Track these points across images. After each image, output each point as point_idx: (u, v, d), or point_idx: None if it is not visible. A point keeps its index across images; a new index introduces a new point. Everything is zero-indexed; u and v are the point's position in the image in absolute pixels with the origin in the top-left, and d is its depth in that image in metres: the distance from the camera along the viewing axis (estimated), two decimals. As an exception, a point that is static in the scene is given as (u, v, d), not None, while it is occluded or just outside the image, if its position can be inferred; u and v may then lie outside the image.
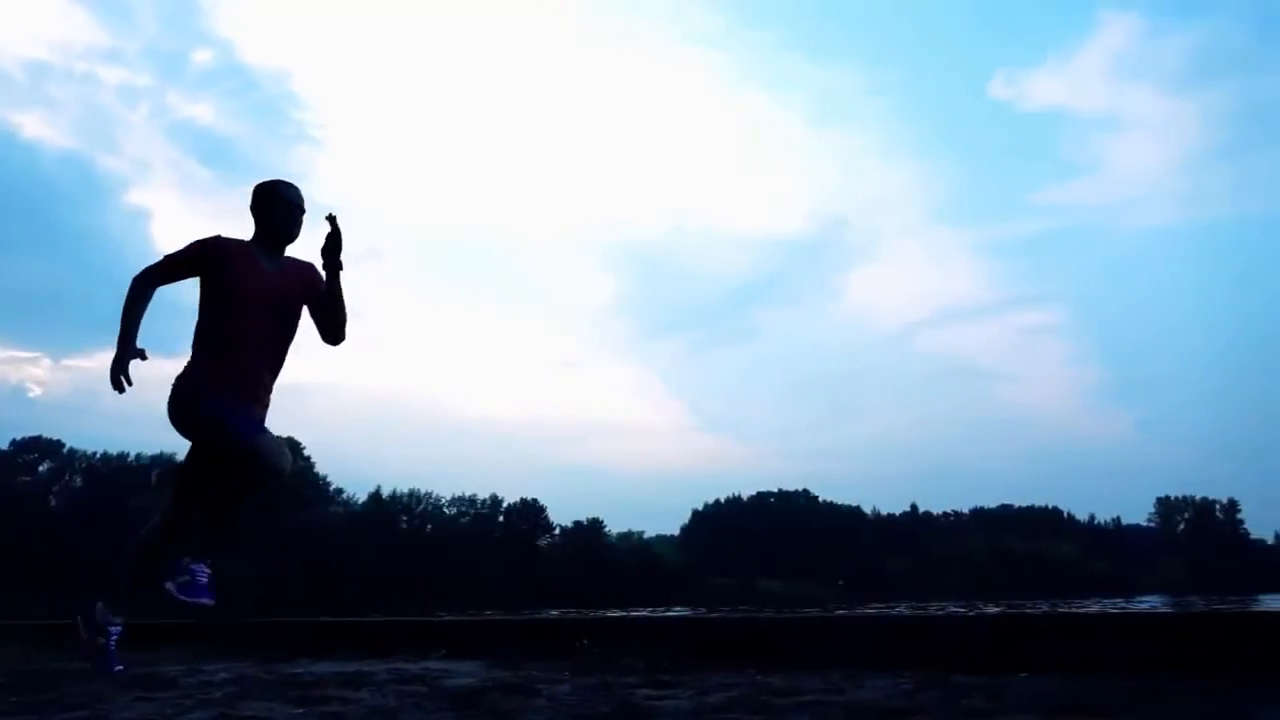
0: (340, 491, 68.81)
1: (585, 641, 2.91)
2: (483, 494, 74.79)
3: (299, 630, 3.80)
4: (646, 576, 67.69)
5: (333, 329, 3.27)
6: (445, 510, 73.33)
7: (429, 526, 71.14)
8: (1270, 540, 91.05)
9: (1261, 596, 37.45)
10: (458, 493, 74.25)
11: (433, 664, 3.00)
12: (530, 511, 75.01)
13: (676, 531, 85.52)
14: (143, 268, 3.13)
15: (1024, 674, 2.38)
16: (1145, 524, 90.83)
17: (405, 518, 70.76)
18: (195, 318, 3.17)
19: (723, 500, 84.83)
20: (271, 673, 2.92)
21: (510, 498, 75.01)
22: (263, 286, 3.14)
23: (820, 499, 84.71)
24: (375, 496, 69.20)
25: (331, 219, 3.15)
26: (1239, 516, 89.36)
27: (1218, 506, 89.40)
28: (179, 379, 3.09)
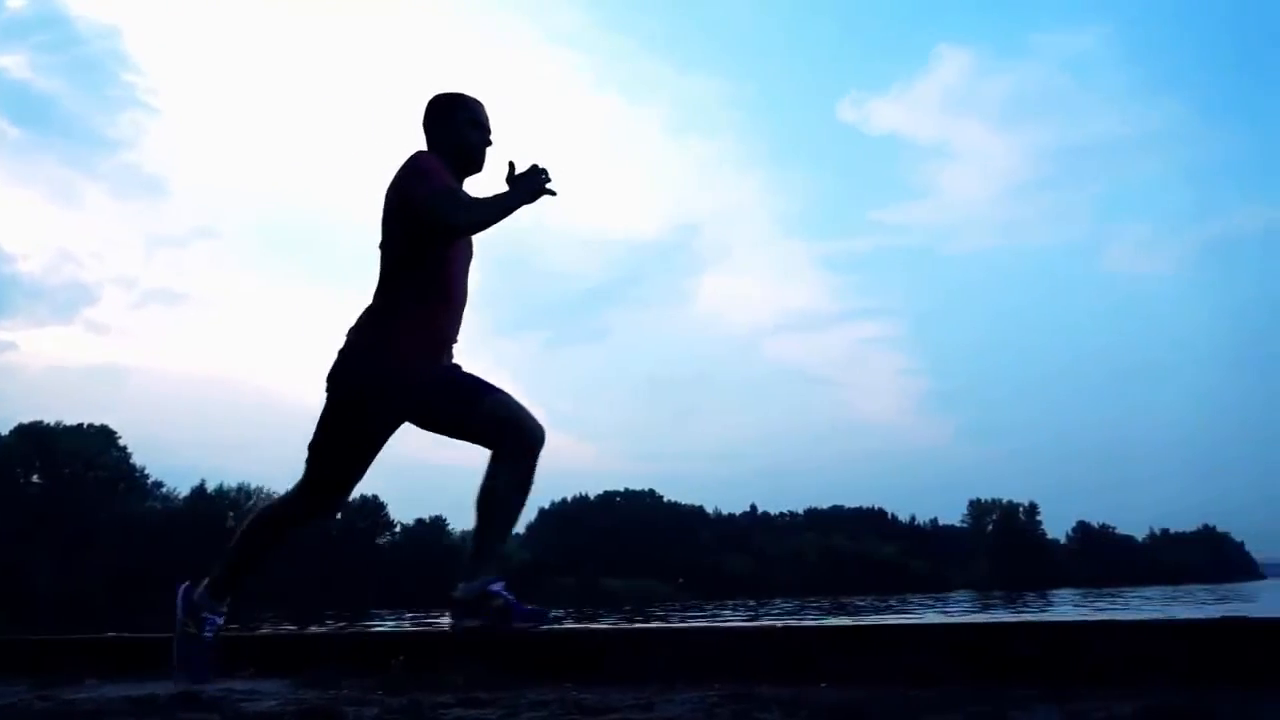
0: (159, 485, 64.12)
1: (402, 658, 2.84)
2: (319, 490, 71.64)
3: (86, 647, 3.50)
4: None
5: None
6: (277, 506, 69.74)
7: (259, 524, 67.33)
8: (1063, 540, 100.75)
9: (1053, 592, 41.40)
10: (291, 487, 70.76)
11: (237, 685, 2.83)
12: (369, 508, 72.40)
13: (522, 530, 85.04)
14: (444, 207, 2.35)
15: (824, 684, 2.51)
16: (959, 524, 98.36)
17: (233, 514, 66.67)
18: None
19: (569, 499, 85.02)
20: (48, 699, 2.68)
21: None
22: None
23: (665, 499, 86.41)
24: (199, 491, 64.88)
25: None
26: (1038, 518, 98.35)
27: (1021, 509, 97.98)
28: (374, 330, 2.44)
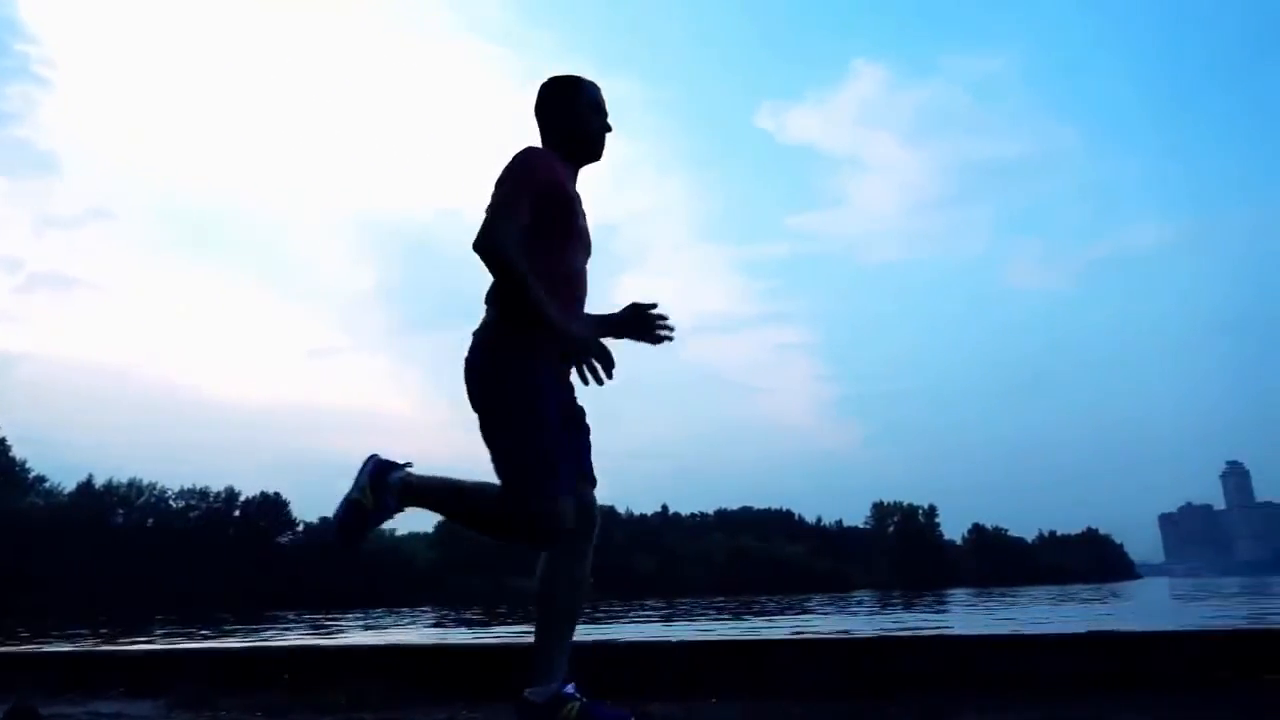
0: (42, 480, 60.59)
1: (286, 675, 2.74)
2: (217, 486, 68.89)
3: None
4: (396, 576, 65.44)
5: None
6: (172, 503, 66.62)
7: (150, 521, 64.21)
8: (959, 541, 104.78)
9: (948, 592, 43.02)
10: (188, 484, 67.72)
11: (103, 706, 2.68)
12: (271, 506, 69.97)
13: (430, 529, 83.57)
14: (488, 229, 2.05)
15: (714, 700, 2.54)
16: (863, 526, 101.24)
17: (122, 511, 63.41)
18: None
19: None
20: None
21: (249, 490, 69.68)
22: (585, 219, 2.32)
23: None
24: (86, 486, 61.49)
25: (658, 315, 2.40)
26: (937, 520, 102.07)
27: (921, 511, 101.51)
28: (500, 332, 2.13)
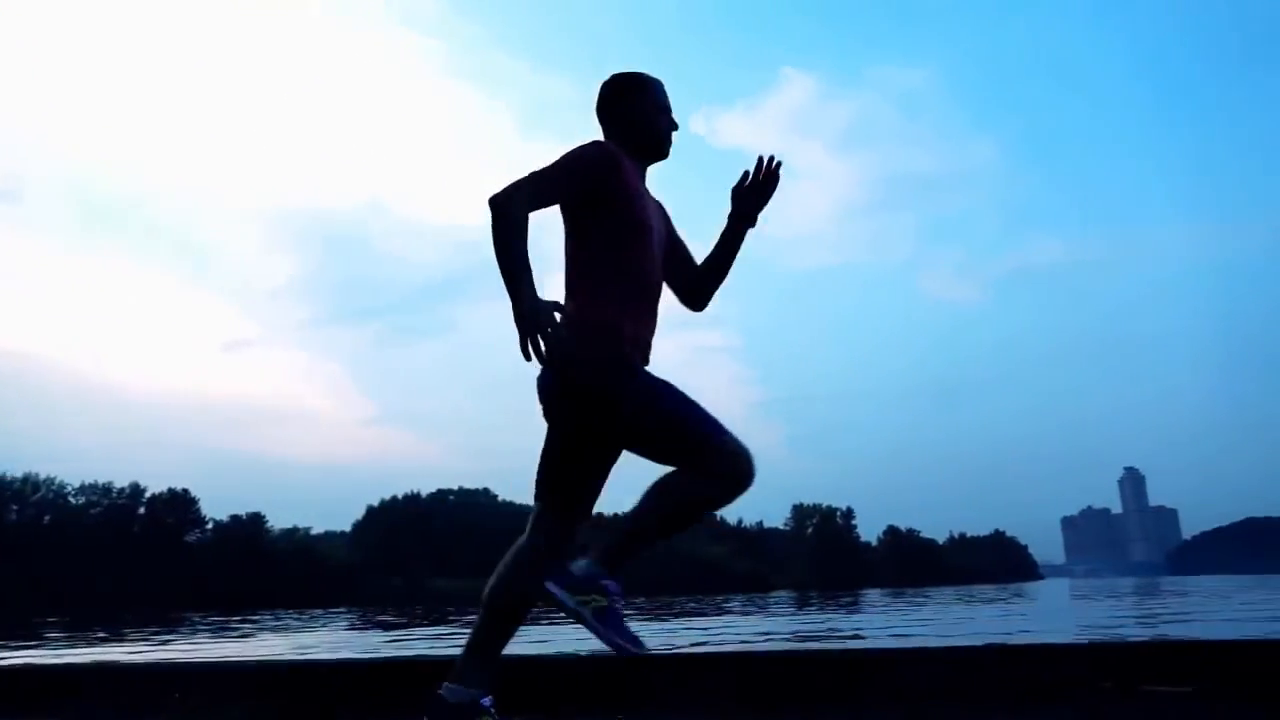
0: (-79, 475, 57.05)
1: (178, 695, 2.64)
2: (121, 481, 65.98)
3: None
4: (310, 576, 63.73)
5: (705, 292, 2.42)
6: (71, 500, 63.50)
7: (47, 518, 61.07)
8: (874, 542, 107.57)
9: (863, 591, 44.19)
10: (89, 479, 64.64)
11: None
12: (179, 503, 67.35)
13: (348, 528, 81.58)
14: (508, 185, 2.02)
15: (621, 716, 2.55)
16: (782, 527, 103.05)
17: (16, 507, 60.16)
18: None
19: (400, 497, 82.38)
20: None
21: (156, 486, 66.92)
22: (651, 214, 2.26)
23: (500, 498, 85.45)
24: (-27, 482, 58.17)
25: (777, 164, 2.33)
26: (854, 522, 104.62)
27: (839, 513, 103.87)
28: (581, 339, 2.06)
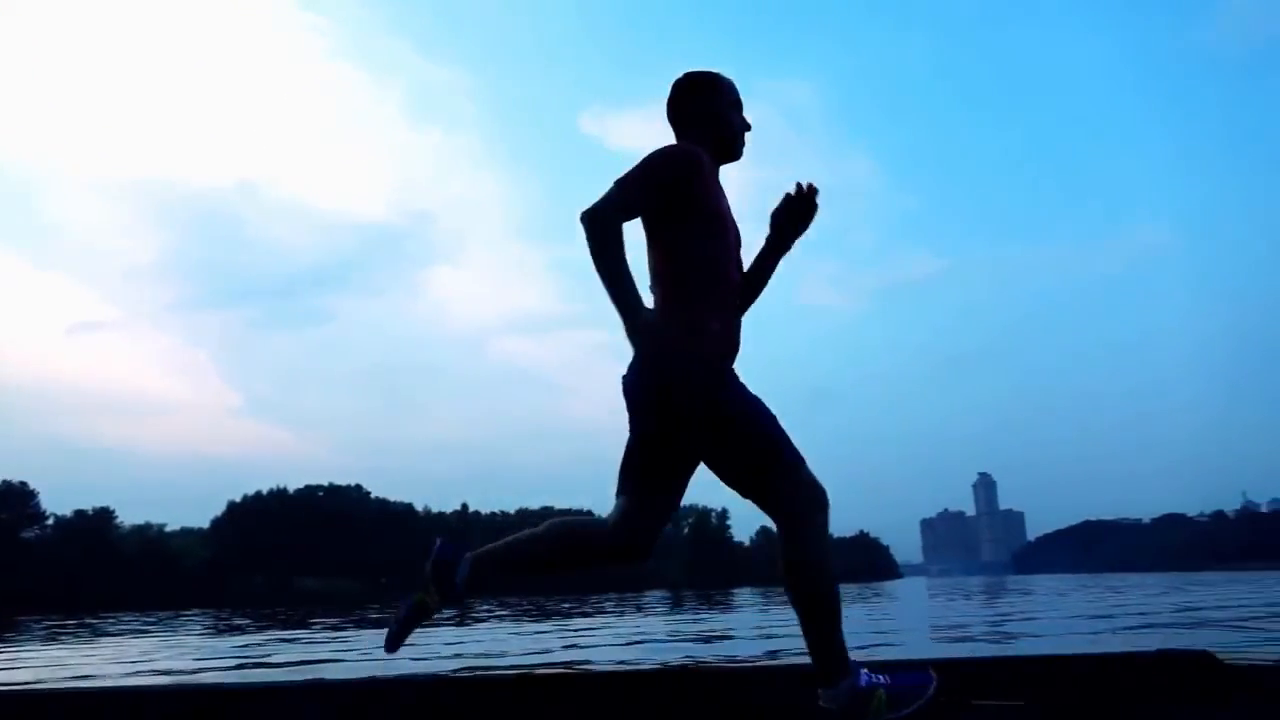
0: None
1: None
2: (-55, 474, 60.29)
3: None
4: (163, 576, 60.05)
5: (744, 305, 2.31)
6: (-115, 492, 57.61)
7: None
8: (748, 542, 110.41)
9: (736, 590, 45.29)
10: (-94, 471, 58.95)
11: None
12: (14, 497, 62.14)
13: (206, 525, 77.28)
14: (598, 199, 1.98)
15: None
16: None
17: None
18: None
19: (265, 493, 78.73)
20: None
21: (-12, 479, 61.58)
22: (730, 213, 2.21)
23: (373, 495, 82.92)
24: None
25: (814, 190, 2.25)
26: (728, 523, 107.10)
27: (714, 514, 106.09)
28: (669, 338, 2.00)
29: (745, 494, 2.05)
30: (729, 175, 2.32)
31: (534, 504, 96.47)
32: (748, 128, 2.28)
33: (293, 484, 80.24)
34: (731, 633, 9.39)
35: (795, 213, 2.27)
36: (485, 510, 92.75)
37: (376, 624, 14.60)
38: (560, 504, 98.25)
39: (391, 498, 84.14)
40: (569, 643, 8.32)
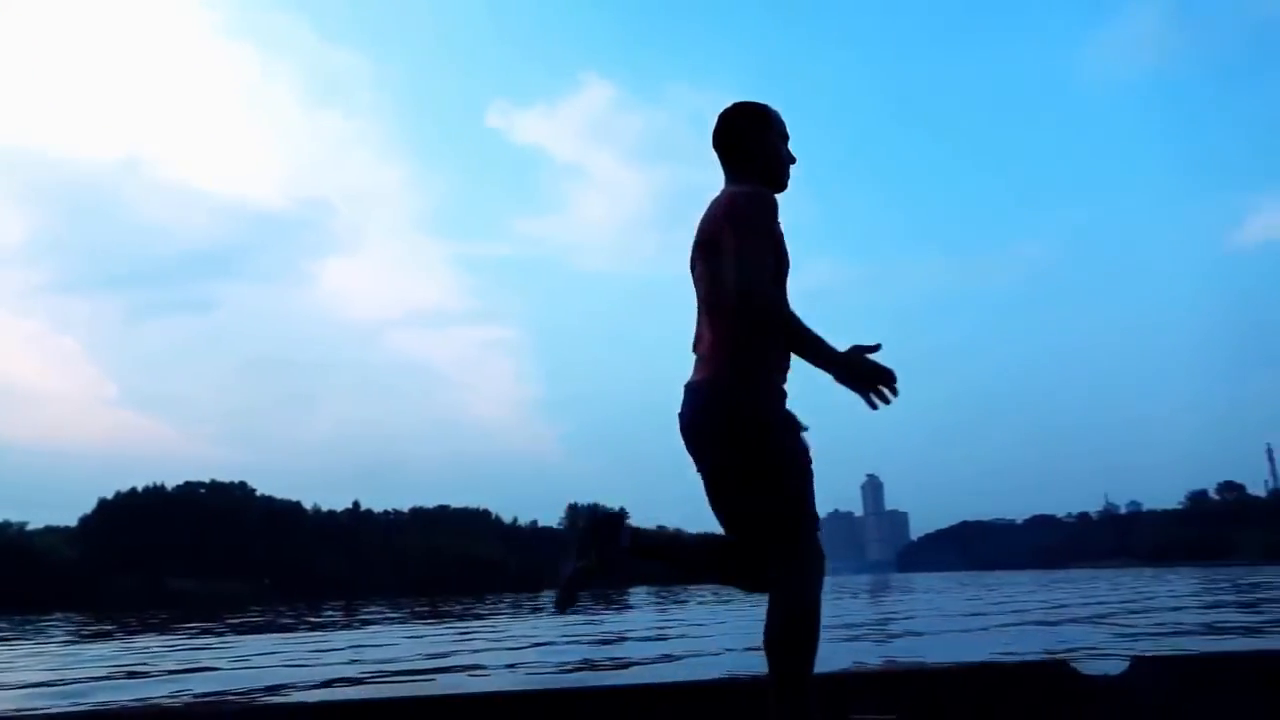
0: None
1: None
2: None
3: None
4: (24, 576, 56.08)
5: None
6: None
7: None
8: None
9: (632, 590, 45.56)
10: None
11: None
12: None
13: (74, 523, 72.56)
14: (746, 283, 1.95)
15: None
16: (557, 527, 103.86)
17: None
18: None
19: (140, 489, 74.58)
20: None
21: None
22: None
23: (259, 492, 79.67)
24: None
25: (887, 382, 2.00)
26: (627, 521, 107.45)
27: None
28: (740, 378, 2.00)
29: (742, 535, 2.09)
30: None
31: (429, 502, 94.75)
32: (794, 160, 2.27)
33: (171, 480, 76.38)
34: (628, 634, 9.48)
35: (862, 374, 2.02)
36: (378, 509, 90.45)
37: (251, 629, 14.07)
38: (456, 503, 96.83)
39: (278, 495, 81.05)
40: (465, 647, 8.25)
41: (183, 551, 66.89)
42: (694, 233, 2.18)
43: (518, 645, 8.28)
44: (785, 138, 2.26)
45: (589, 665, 5.99)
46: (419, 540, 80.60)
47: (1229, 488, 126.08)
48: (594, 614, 15.47)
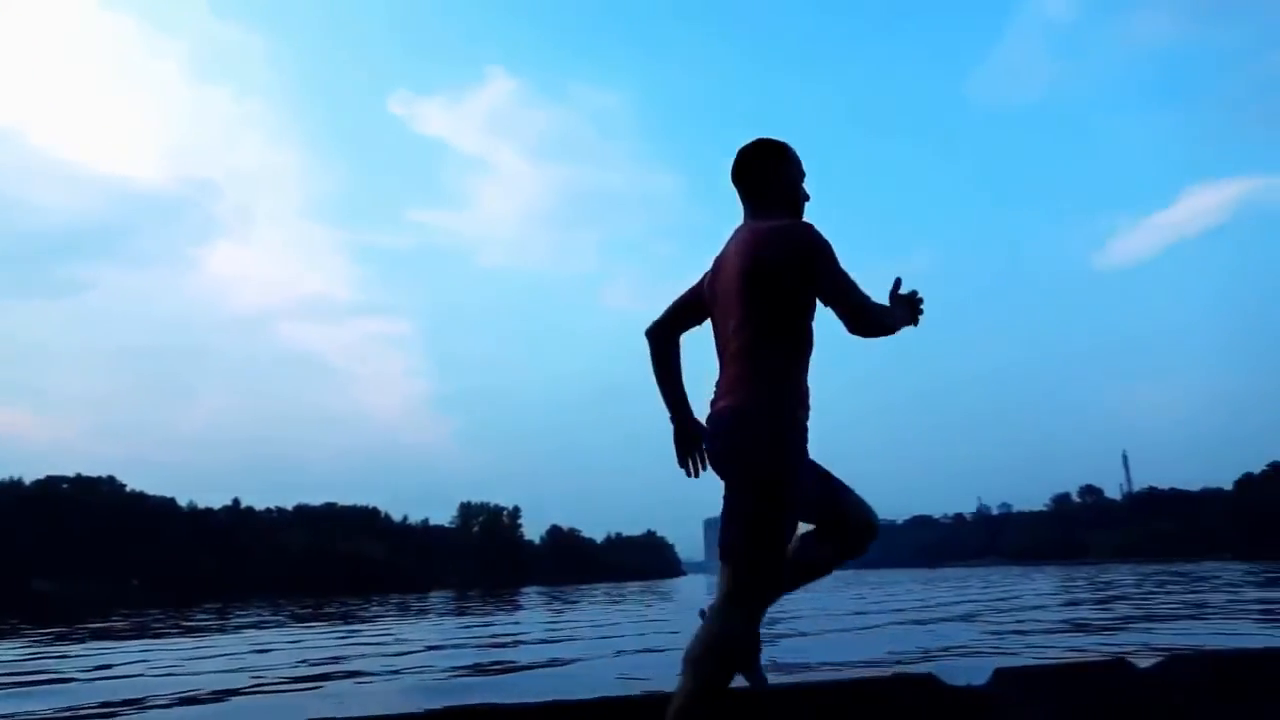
0: None
1: None
2: None
3: None
4: None
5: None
6: None
7: None
8: (538, 541, 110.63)
9: (524, 590, 45.32)
10: None
11: None
12: None
13: (-85, 520, 66.69)
14: (860, 313, 2.14)
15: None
16: (448, 525, 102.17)
17: None
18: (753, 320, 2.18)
19: (-5, 484, 69.27)
20: None
21: None
22: None
23: (129, 488, 75.18)
24: None
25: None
26: (520, 521, 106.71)
27: (505, 513, 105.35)
28: (775, 406, 2.12)
29: (722, 554, 2.17)
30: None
31: (315, 500, 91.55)
32: (809, 198, 2.38)
33: (31, 474, 71.22)
34: (521, 637, 9.40)
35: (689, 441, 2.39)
36: (260, 506, 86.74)
37: (114, 635, 13.27)
38: (344, 500, 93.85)
39: (150, 491, 76.64)
40: (350, 650, 8.01)
41: (42, 550, 62.49)
42: (720, 257, 2.29)
43: (405, 649, 8.09)
44: (803, 175, 2.38)
45: (476, 670, 5.91)
46: (303, 539, 77.69)
47: (1089, 491, 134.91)
48: (485, 615, 15.27)
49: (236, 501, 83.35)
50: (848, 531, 2.30)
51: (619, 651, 6.90)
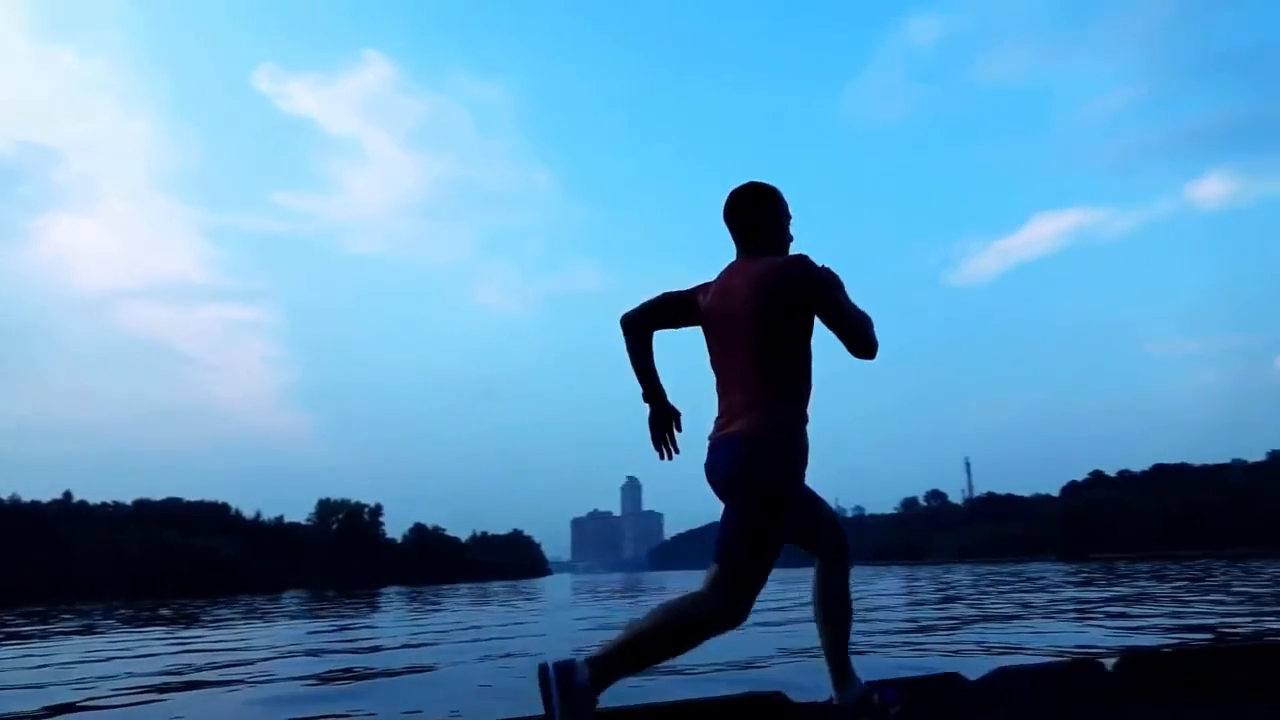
0: None
1: None
2: None
3: None
4: None
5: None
6: None
7: None
8: (400, 540, 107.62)
9: (384, 590, 43.93)
10: None
11: None
12: None
13: None
14: (870, 335, 2.36)
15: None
16: (305, 522, 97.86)
17: None
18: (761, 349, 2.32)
19: None
20: None
21: None
22: None
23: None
24: None
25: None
26: (381, 519, 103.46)
27: (367, 510, 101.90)
28: (783, 429, 2.28)
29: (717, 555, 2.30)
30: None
31: (157, 494, 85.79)
32: (792, 239, 2.54)
33: None
34: (380, 643, 9.12)
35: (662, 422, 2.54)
36: (95, 500, 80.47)
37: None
38: (190, 495, 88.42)
39: (-15, 492, 69.71)
40: (192, 659, 7.55)
41: None
42: (724, 287, 2.40)
43: (250, 656, 7.70)
44: (790, 217, 2.54)
45: (321, 680, 5.69)
46: (143, 535, 72.50)
47: (934, 495, 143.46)
48: (341, 617, 14.69)
49: (68, 495, 77.20)
50: (819, 545, 2.60)
51: (485, 657, 6.78)
